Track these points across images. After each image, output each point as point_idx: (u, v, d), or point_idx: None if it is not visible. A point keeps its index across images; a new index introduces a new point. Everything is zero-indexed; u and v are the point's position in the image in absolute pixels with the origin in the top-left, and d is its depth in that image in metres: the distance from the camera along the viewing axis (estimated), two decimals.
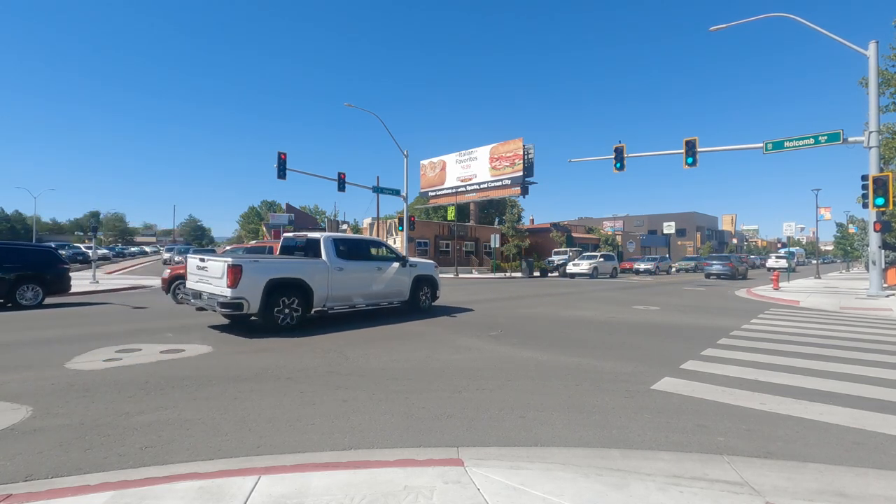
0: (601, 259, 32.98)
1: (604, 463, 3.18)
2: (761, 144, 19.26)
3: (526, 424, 3.94)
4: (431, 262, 12.61)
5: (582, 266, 31.75)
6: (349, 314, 11.01)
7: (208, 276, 8.56)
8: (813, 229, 47.89)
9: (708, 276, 31.56)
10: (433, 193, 48.09)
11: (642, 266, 38.58)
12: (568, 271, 32.46)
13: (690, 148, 20.56)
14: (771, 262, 50.28)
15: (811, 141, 17.82)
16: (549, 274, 35.08)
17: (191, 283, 9.18)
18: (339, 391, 4.86)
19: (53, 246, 19.56)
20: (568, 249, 40.29)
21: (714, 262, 32.62)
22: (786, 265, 40.56)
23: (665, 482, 2.86)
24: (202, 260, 8.91)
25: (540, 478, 2.90)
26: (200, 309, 9.18)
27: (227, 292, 7.96)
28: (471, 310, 12.43)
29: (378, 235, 41.42)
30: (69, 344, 7.28)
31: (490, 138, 59.69)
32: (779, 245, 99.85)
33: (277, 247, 11.75)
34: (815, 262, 43.25)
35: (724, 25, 19.34)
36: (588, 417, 4.12)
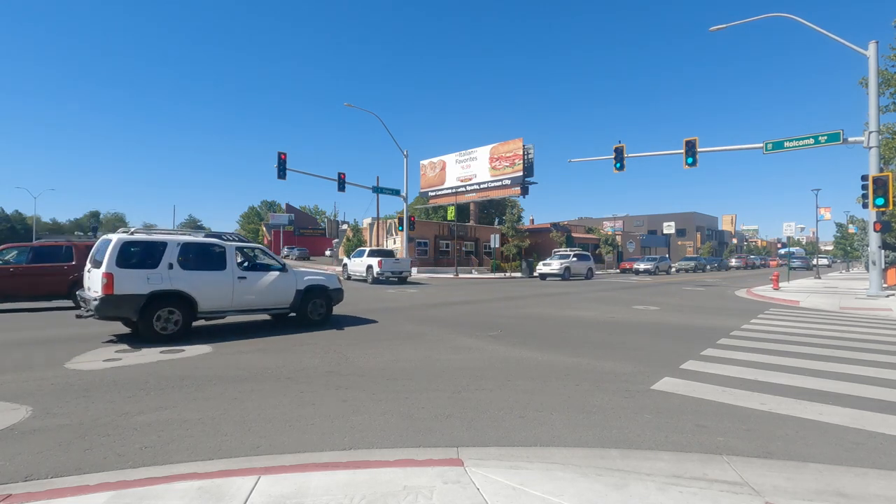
0: (574, 259, 30.21)
1: (603, 463, 3.18)
2: (761, 144, 19.28)
3: (526, 424, 3.94)
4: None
5: (553, 266, 28.78)
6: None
7: (399, 266, 23.51)
8: (813, 229, 51.09)
9: (791, 269, 38.91)
10: (433, 193, 48.06)
11: (642, 266, 38.55)
12: (538, 272, 29.48)
13: (690, 148, 20.58)
14: (814, 261, 70.01)
15: (811, 141, 17.84)
16: None
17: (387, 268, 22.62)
18: (338, 391, 4.86)
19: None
20: (568, 250, 40.29)
21: (796, 259, 49.50)
22: (826, 262, 59.28)
23: (665, 482, 2.86)
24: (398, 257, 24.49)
25: (540, 478, 2.90)
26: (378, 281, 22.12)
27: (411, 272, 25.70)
28: (469, 309, 12.44)
29: (378, 235, 41.42)
30: (69, 344, 7.28)
31: (490, 138, 59.76)
32: (779, 245, 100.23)
33: (83, 246, 12.95)
34: (815, 261, 45.94)
35: (723, 25, 19.35)
36: (588, 417, 4.12)
